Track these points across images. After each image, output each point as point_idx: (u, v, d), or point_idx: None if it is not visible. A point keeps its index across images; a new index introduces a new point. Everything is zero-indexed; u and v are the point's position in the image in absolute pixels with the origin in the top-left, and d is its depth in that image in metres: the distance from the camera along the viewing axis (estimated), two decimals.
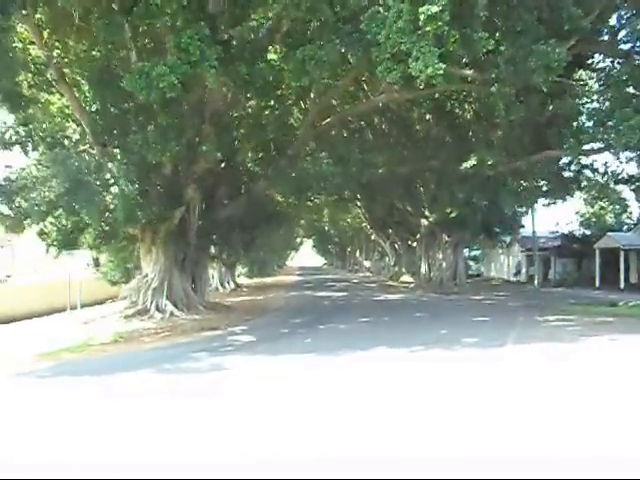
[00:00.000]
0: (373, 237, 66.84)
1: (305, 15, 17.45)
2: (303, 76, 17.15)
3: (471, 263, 65.09)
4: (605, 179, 25.11)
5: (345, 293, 39.19)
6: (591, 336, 16.31)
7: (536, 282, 41.77)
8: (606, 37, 19.67)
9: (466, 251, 63.28)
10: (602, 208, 51.00)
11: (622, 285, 37.13)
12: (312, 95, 24.39)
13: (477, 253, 63.21)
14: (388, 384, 10.75)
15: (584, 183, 26.18)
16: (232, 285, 45.01)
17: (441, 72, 14.55)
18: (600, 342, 15.36)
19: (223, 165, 25.73)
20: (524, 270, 50.85)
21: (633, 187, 25.49)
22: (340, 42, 16.64)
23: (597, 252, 40.09)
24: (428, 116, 28.31)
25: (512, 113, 18.21)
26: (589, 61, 19.83)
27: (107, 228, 22.89)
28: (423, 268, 47.14)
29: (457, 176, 24.20)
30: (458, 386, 10.35)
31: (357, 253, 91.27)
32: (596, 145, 19.92)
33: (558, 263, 47.46)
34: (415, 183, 27.14)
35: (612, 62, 19.22)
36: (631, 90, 18.86)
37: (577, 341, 15.42)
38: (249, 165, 26.02)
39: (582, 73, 18.28)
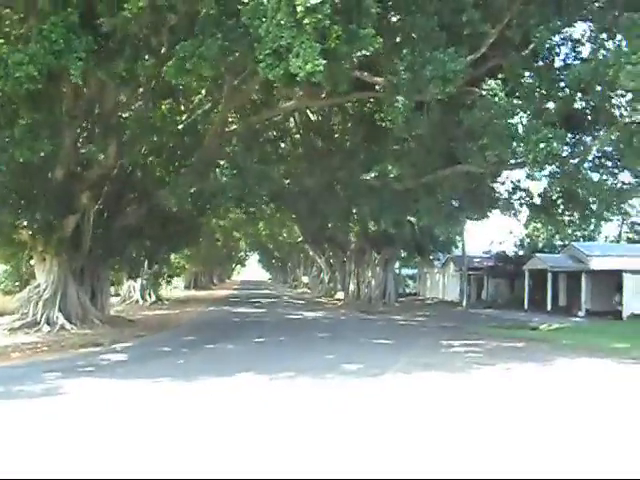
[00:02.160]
0: (311, 253, 65.59)
1: (188, 7, 15.99)
2: (183, 74, 15.67)
3: (409, 282, 64.42)
4: (515, 199, 24.06)
5: (264, 310, 37.70)
6: (485, 365, 15.10)
7: (464, 303, 40.84)
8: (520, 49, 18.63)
9: (404, 271, 62.85)
10: (536, 229, 50.55)
11: (549, 307, 36.47)
12: (219, 98, 22.99)
13: (414, 272, 62.31)
14: (197, 418, 9.43)
15: (498, 202, 25.01)
16: (153, 298, 43.06)
17: (320, 69, 13.26)
18: (490, 372, 14.11)
19: (117, 172, 24.03)
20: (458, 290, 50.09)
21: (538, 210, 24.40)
22: (223, 37, 15.18)
23: (526, 273, 39.46)
24: (347, 125, 27.26)
25: (412, 127, 16.96)
26: (500, 73, 18.70)
27: None
28: (352, 285, 45.99)
29: (364, 189, 22.97)
30: (276, 424, 9.06)
31: (298, 269, 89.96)
32: (510, 161, 18.91)
33: (491, 283, 46.82)
34: (324, 196, 25.74)
35: (524, 74, 18.08)
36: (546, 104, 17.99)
37: (464, 371, 14.11)
38: (152, 173, 24.30)
39: (492, 83, 17.05)
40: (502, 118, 17.02)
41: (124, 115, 20.83)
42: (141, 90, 21.62)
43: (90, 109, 20.55)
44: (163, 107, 22.25)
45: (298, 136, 29.32)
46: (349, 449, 7.71)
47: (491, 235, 63.15)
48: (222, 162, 22.73)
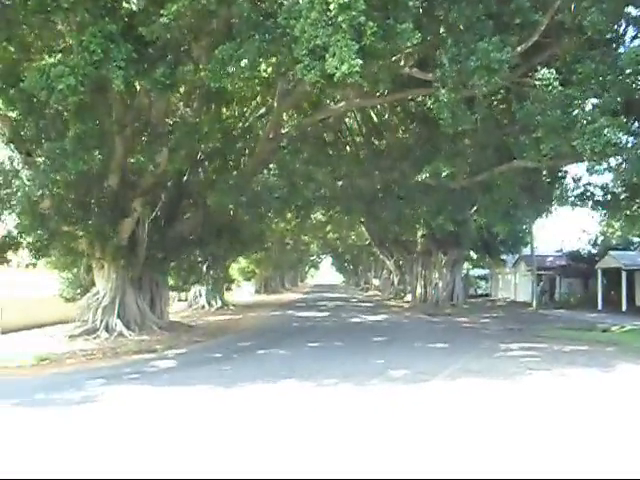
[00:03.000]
0: (380, 255, 64.93)
1: (226, 11, 15.78)
2: (223, 77, 15.47)
3: (482, 283, 62.92)
4: (578, 194, 22.67)
5: (327, 314, 37.38)
6: (540, 370, 14.29)
7: (534, 303, 39.37)
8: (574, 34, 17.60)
9: (476, 271, 61.45)
10: (611, 226, 48.34)
11: (624, 307, 34.76)
12: (270, 103, 22.86)
13: (486, 272, 60.79)
14: (231, 427, 9.13)
15: (556, 199, 23.67)
16: (219, 303, 43.37)
17: (357, 69, 12.78)
18: (542, 379, 13.30)
19: (173, 179, 24.21)
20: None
21: (601, 205, 22.92)
22: (260, 39, 14.88)
23: (599, 272, 37.77)
24: (402, 125, 26.61)
25: (459, 122, 16.22)
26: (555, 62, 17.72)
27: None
28: (419, 288, 45.14)
29: (418, 189, 22.27)
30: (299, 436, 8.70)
31: (369, 271, 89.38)
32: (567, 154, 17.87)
33: (563, 283, 45.19)
34: (378, 198, 25.15)
35: (579, 60, 16.98)
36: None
37: (515, 378, 13.34)
38: (206, 179, 24.36)
39: (546, 73, 16.16)
40: (556, 109, 16.10)
41: (170, 122, 20.81)
42: (192, 96, 21.72)
43: (139, 118, 20.59)
44: (211, 112, 22.18)
45: (352, 138, 28.88)
46: (356, 457, 7.32)
47: (565, 234, 60.99)
48: (271, 165, 22.51)
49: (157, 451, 8.03)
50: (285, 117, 24.89)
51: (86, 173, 21.08)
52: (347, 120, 29.93)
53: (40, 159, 18.64)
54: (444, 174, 19.19)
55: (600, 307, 36.73)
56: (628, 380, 13.32)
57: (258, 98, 26.43)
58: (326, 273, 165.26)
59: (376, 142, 27.52)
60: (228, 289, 73.86)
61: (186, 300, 44.81)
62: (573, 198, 22.45)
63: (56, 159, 17.64)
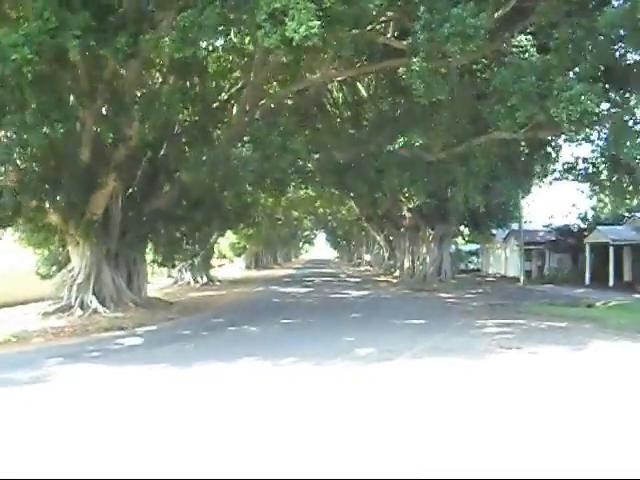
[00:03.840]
0: (371, 231, 64.44)
1: None
2: (186, 46, 14.84)
3: (473, 258, 62.54)
4: (561, 167, 21.98)
5: (311, 289, 37.04)
6: (510, 349, 13.82)
7: (521, 278, 38.97)
8: None
9: (468, 246, 61.11)
10: (600, 200, 47.80)
11: (612, 283, 34.38)
12: (247, 75, 22.20)
13: (476, 247, 60.42)
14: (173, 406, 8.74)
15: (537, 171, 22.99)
16: (205, 279, 42.99)
17: (315, 31, 12.20)
18: (510, 357, 12.85)
19: (148, 153, 23.59)
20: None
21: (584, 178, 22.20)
22: (221, 5, 14.22)
23: (587, 247, 37.36)
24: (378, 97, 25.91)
25: (433, 92, 15.58)
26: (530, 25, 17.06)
27: None
28: (407, 262, 44.74)
29: (393, 162, 21.66)
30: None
31: (360, 247, 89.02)
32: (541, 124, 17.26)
33: (553, 258, 44.82)
34: (353, 170, 24.54)
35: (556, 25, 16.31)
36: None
37: (482, 356, 12.87)
38: (181, 154, 23.74)
39: (523, 39, 15.56)
40: (531, 75, 15.50)
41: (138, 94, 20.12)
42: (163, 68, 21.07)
43: (110, 90, 19.90)
44: (178, 83, 21.51)
45: (333, 110, 28.20)
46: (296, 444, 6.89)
47: (557, 208, 60.48)
48: (246, 138, 21.90)
49: (87, 433, 7.66)
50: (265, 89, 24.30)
51: (55, 147, 20.58)
52: (334, 93, 29.31)
53: (1, 133, 18.07)
54: (416, 144, 18.61)
55: (588, 282, 36.34)
56: (597, 359, 12.79)
57: (238, 72, 25.77)
58: (321, 249, 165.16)
59: (355, 114, 26.82)
60: (220, 265, 73.81)
61: (171, 277, 44.45)
62: (553, 171, 21.86)
63: (17, 133, 17.08)
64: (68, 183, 21.53)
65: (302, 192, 49.45)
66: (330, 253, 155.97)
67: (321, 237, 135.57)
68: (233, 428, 7.82)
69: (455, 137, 20.37)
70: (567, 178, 22.31)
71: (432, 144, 19.56)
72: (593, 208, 48.76)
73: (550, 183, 22.89)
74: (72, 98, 19.68)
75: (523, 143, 21.94)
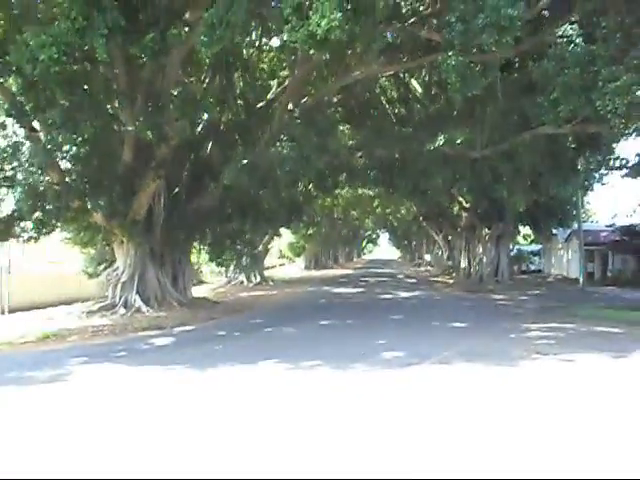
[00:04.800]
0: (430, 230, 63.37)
1: None
2: (215, 43, 14.62)
3: (535, 259, 60.72)
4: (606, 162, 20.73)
5: (362, 290, 36.47)
6: (547, 355, 13.04)
7: (581, 280, 37.42)
8: None
9: (531, 247, 59.42)
10: None
11: None
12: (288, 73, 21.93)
13: (538, 248, 58.67)
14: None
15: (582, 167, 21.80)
16: (258, 279, 43.04)
17: (337, 23, 11.78)
18: (544, 365, 12.06)
19: (192, 152, 23.60)
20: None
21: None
22: (248, 0, 13.95)
23: None
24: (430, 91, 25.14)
25: (469, 86, 14.90)
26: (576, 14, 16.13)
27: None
28: (463, 263, 43.72)
29: (435, 159, 20.95)
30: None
31: (421, 246, 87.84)
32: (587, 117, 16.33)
33: (617, 259, 42.90)
34: (396, 169, 23.88)
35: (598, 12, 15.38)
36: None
37: (516, 363, 12.14)
38: (224, 153, 23.65)
39: (568, 29, 14.76)
40: (576, 67, 14.68)
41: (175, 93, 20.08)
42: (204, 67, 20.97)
43: (148, 89, 19.94)
44: (215, 81, 21.41)
45: (378, 106, 27.57)
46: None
47: (622, 207, 57.92)
48: (283, 137, 21.62)
49: (92, 433, 7.58)
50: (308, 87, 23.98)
51: (97, 147, 20.80)
52: (388, 90, 28.69)
53: (41, 134, 18.30)
54: (458, 141, 17.92)
55: None
56: (635, 369, 11.93)
57: (286, 70, 25.55)
58: (384, 249, 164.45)
59: (406, 112, 26.17)
60: (281, 265, 73.99)
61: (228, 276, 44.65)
62: (601, 167, 20.70)
63: (50, 133, 17.24)
64: (110, 183, 21.71)
65: (360, 191, 49.07)
66: (393, 253, 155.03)
67: (384, 237, 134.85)
68: (223, 433, 7.54)
69: (500, 133, 19.56)
70: (622, 174, 21.09)
71: (475, 141, 18.80)
72: None
73: (600, 181, 21.53)
74: (109, 98, 19.75)
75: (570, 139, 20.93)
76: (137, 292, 23.26)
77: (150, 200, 23.08)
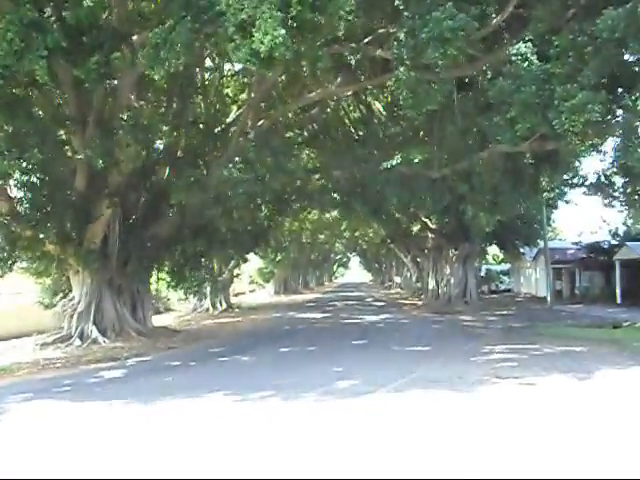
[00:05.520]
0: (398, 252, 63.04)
1: None
2: (158, 64, 14.13)
3: (505, 278, 60.77)
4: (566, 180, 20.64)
5: (327, 315, 35.86)
6: (507, 379, 12.59)
7: (548, 298, 37.30)
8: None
9: (499, 266, 59.46)
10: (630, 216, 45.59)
11: None
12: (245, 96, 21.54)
13: (508, 267, 58.75)
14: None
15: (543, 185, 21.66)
16: (224, 305, 42.26)
17: (280, 40, 11.39)
18: (502, 390, 11.57)
19: (146, 179, 23.05)
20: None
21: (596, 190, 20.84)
22: (193, 20, 13.53)
23: (617, 264, 35.65)
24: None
25: (422, 103, 14.61)
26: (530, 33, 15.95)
27: None
28: (431, 284, 43.44)
29: (392, 180, 20.60)
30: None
31: (391, 269, 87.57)
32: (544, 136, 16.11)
33: (584, 276, 42.98)
34: (353, 190, 23.55)
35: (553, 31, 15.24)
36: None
37: (473, 389, 11.66)
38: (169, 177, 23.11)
39: (522, 47, 14.57)
40: (531, 85, 14.47)
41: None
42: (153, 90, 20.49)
43: (99, 115, 19.36)
44: (162, 106, 20.97)
45: (337, 128, 27.29)
46: None
47: (589, 224, 58.38)
48: (236, 158, 21.16)
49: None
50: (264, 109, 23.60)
51: (48, 174, 20.18)
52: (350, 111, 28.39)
53: None
54: (416, 161, 17.62)
55: (620, 301, 34.67)
56: (596, 392, 11.38)
57: (246, 94, 25.17)
58: (355, 272, 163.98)
59: (355, 131, 25.86)
60: (251, 291, 73.03)
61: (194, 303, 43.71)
62: (559, 184, 20.57)
63: None
64: (63, 211, 21.07)
65: (327, 215, 48.64)
66: (365, 276, 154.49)
67: (355, 260, 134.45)
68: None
69: (458, 153, 19.30)
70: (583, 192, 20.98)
71: (433, 160, 18.52)
72: (624, 223, 46.58)
73: (563, 199, 21.40)
74: (59, 123, 19.18)
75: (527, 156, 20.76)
76: (94, 322, 22.54)
77: (105, 228, 22.46)
